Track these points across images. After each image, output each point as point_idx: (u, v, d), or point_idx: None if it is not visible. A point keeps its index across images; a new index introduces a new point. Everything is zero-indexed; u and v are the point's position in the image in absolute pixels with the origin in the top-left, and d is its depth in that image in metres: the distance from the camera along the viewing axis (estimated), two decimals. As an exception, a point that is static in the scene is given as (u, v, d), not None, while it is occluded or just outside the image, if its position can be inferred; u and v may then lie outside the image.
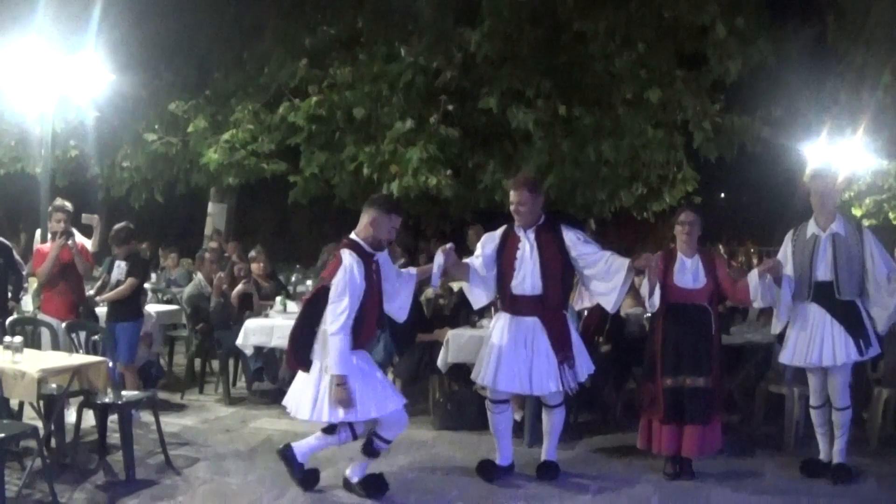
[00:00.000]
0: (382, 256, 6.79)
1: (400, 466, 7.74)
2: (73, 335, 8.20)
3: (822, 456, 7.49)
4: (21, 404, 8.00)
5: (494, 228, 7.57)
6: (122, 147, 15.42)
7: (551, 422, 7.49)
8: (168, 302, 12.86)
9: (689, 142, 14.88)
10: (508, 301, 7.31)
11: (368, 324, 6.63)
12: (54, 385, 6.94)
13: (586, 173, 14.41)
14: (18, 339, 7.01)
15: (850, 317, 7.16)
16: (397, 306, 7.05)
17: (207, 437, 8.81)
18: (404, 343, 9.74)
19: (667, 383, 7.36)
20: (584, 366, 7.32)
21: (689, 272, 7.44)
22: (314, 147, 14.60)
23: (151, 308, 11.43)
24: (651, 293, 7.42)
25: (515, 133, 14.26)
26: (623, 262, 7.14)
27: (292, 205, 15.86)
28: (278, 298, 11.23)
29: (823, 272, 7.21)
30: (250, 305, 11.16)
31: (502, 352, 7.19)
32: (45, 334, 8.59)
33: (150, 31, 14.43)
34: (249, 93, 15.05)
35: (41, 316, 9.08)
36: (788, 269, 7.35)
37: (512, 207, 7.27)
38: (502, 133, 14.75)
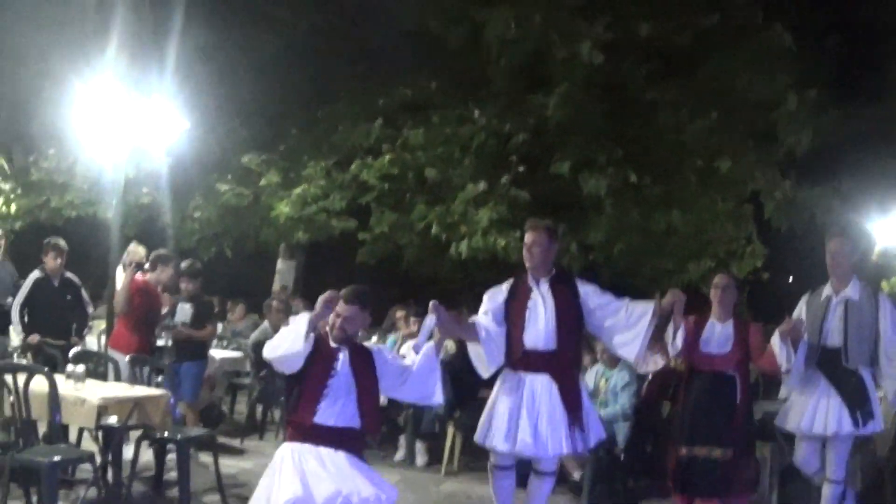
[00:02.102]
0: (380, 356, 5.86)
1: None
2: (137, 369, 8.23)
3: None
4: (80, 436, 8.05)
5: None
6: (194, 197, 15.61)
7: (541, 489, 6.77)
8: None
9: (758, 216, 14.75)
10: (518, 357, 6.58)
11: (307, 408, 5.59)
12: (114, 417, 6.96)
13: (654, 243, 14.33)
14: (81, 367, 7.08)
15: (851, 387, 6.88)
16: (426, 394, 6.01)
17: (265, 481, 8.74)
18: (467, 397, 9.68)
19: (681, 452, 7.13)
20: (594, 431, 6.69)
21: (716, 337, 7.15)
22: (384, 206, 14.68)
23: (215, 353, 11.47)
24: (675, 336, 7.08)
25: (586, 200, 14.21)
26: (647, 307, 6.56)
27: (359, 266, 15.90)
28: (342, 354, 11.20)
29: (832, 338, 6.97)
30: (314, 356, 11.14)
31: (512, 413, 6.49)
32: (109, 369, 8.63)
33: (226, 89, 14.64)
34: (323, 151, 15.18)
35: (109, 352, 9.13)
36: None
37: (525, 249, 6.71)
38: (572, 200, 14.72)
